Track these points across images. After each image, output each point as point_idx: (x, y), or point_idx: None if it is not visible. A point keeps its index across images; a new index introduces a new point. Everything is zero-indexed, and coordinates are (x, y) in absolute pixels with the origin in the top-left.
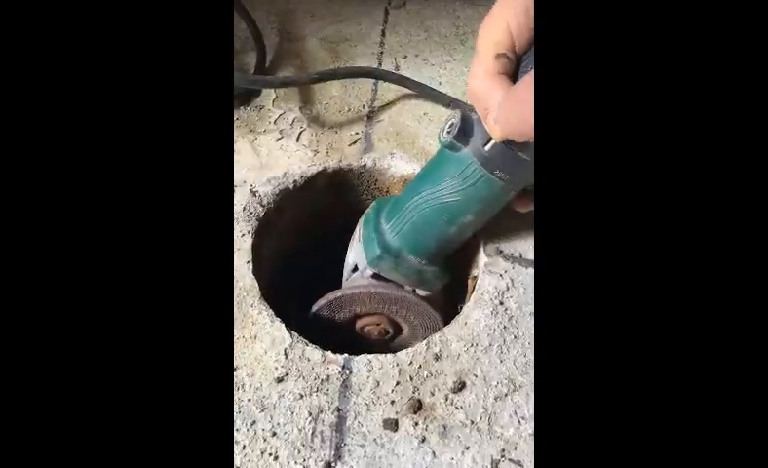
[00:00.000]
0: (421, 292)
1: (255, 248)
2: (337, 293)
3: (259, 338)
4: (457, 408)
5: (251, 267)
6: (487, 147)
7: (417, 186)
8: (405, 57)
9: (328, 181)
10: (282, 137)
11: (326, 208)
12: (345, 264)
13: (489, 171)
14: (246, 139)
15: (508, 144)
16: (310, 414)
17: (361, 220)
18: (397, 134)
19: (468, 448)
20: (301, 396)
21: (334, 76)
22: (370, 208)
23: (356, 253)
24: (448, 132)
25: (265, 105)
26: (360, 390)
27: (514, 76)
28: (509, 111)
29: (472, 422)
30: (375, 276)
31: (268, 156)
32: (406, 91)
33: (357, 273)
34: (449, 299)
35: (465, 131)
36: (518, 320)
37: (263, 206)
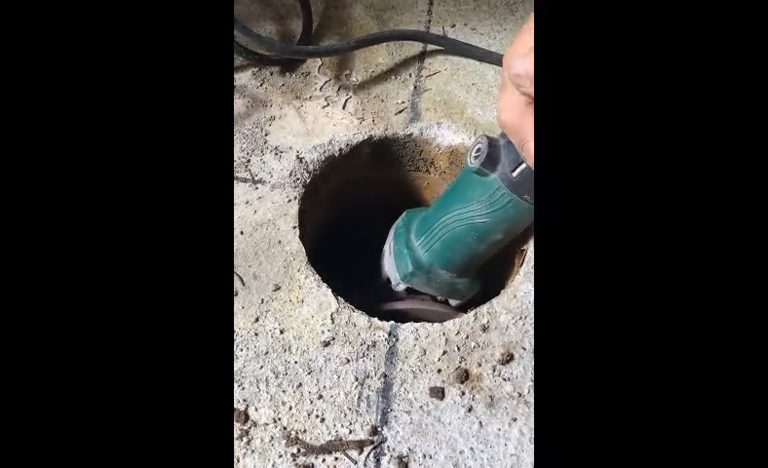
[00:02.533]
0: (453, 302)
1: (301, 213)
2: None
3: (306, 302)
4: (505, 379)
5: (298, 233)
6: (515, 173)
7: (446, 205)
8: (454, 25)
9: (374, 150)
10: (327, 105)
11: (371, 176)
12: (379, 275)
13: (518, 195)
14: (291, 106)
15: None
16: (356, 379)
17: (391, 232)
18: (444, 103)
19: (515, 420)
20: (348, 360)
21: (374, 41)
22: (400, 220)
23: (388, 267)
24: (476, 157)
25: (311, 72)
26: (406, 357)
27: None
28: None
29: (519, 394)
30: (408, 289)
31: (314, 123)
32: (454, 60)
33: (391, 286)
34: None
35: (492, 157)
36: None
37: (309, 172)
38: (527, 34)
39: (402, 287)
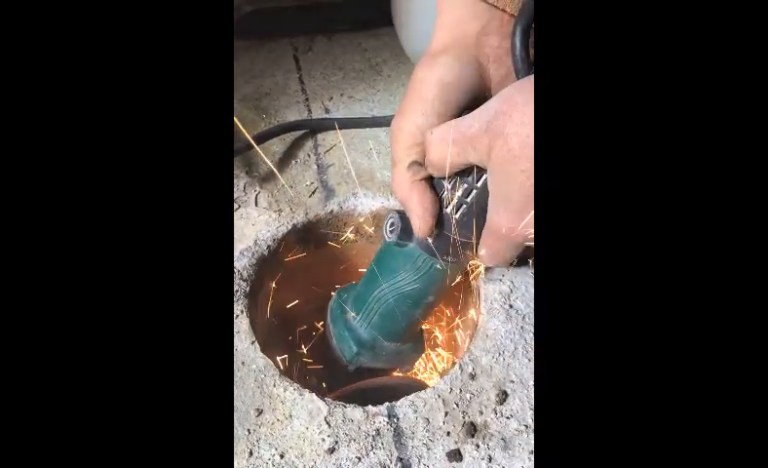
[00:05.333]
0: (403, 369)
1: (253, 324)
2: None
3: (295, 415)
4: (507, 417)
5: (258, 347)
6: (431, 239)
7: (375, 279)
8: (331, 98)
9: (300, 237)
10: (239, 207)
11: (303, 261)
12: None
13: (438, 258)
14: None
15: (446, 232)
16: None
17: (327, 317)
18: (352, 174)
19: (532, 452)
20: (359, 458)
21: (267, 137)
22: (333, 302)
23: (333, 352)
24: (391, 231)
25: None
26: (413, 433)
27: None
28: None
29: (526, 426)
30: (357, 369)
31: None
32: (344, 130)
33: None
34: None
35: (406, 229)
36: (530, 317)
37: (245, 280)
38: (409, 106)
39: (351, 368)
